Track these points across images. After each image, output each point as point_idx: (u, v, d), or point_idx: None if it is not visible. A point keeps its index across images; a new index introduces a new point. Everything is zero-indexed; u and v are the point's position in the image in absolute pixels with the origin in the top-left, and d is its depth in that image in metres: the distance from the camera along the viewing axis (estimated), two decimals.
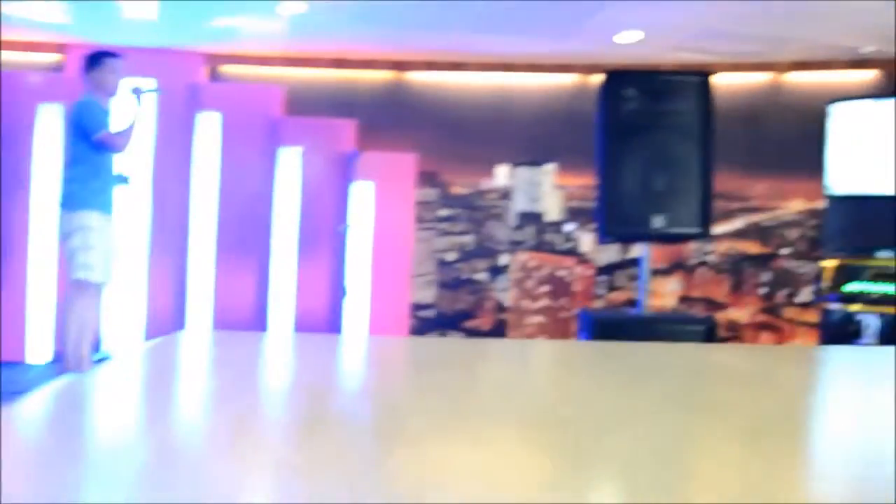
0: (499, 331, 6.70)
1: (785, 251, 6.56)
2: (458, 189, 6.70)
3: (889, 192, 5.38)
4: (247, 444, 0.73)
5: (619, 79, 4.78)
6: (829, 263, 5.33)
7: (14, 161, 5.79)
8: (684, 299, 6.67)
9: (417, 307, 6.62)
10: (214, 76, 6.50)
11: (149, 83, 4.70)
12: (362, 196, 6.10)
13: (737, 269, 6.64)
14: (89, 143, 4.22)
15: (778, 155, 6.41)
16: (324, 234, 6.06)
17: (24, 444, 0.73)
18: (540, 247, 6.74)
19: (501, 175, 6.69)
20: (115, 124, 4.34)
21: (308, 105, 6.32)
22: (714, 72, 5.06)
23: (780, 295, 6.57)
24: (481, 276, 6.74)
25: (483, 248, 6.74)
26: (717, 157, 4.77)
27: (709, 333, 4.87)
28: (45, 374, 5.21)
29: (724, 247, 6.61)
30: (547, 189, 6.71)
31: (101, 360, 4.85)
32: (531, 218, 6.74)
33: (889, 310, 4.96)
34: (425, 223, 6.65)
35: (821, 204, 5.94)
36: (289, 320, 6.01)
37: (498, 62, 6.51)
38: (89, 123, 4.22)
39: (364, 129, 6.21)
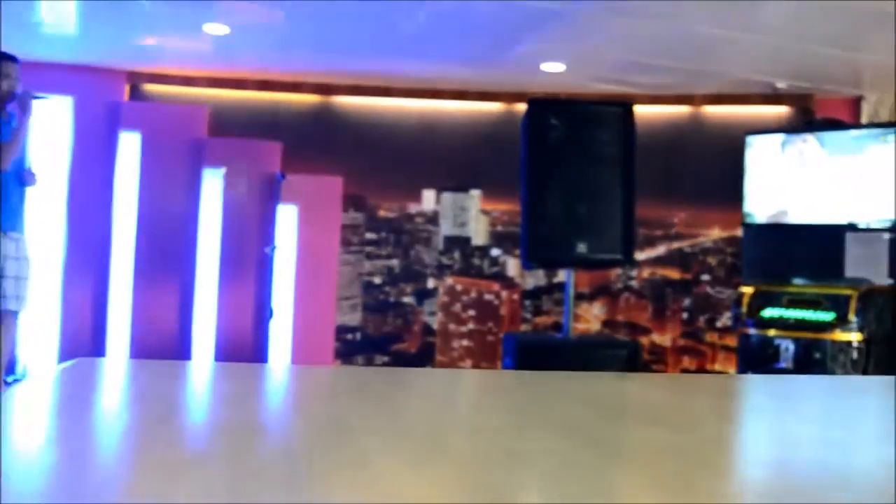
0: (426, 354, 6.69)
1: (705, 277, 6.70)
2: (385, 213, 6.69)
3: (804, 220, 5.55)
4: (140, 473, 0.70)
5: (542, 107, 4.85)
6: (748, 289, 5.46)
7: None
8: (608, 324, 6.76)
9: (343, 330, 6.56)
10: (137, 94, 6.38)
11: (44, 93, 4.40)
12: (287, 219, 6.05)
13: (659, 295, 6.76)
14: None
15: (698, 184, 6.57)
16: (249, 256, 5.98)
17: None
18: (467, 271, 6.76)
19: (429, 199, 6.70)
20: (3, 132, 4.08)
21: (232, 126, 6.24)
22: (635, 102, 5.17)
23: (702, 320, 6.71)
24: (408, 299, 6.73)
25: (410, 272, 6.72)
26: (639, 185, 4.85)
27: (632, 357, 4.95)
28: None
29: (646, 272, 6.73)
30: (473, 214, 6.75)
31: (14, 382, 4.71)
32: (458, 242, 6.76)
33: (804, 335, 5.11)
34: (352, 246, 6.62)
35: (738, 232, 6.10)
36: (211, 343, 5.90)
37: (424, 88, 6.54)
38: None
39: (290, 152, 6.15)
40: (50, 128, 5.69)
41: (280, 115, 6.53)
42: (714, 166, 6.32)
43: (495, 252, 6.77)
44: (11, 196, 4.11)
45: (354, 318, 6.64)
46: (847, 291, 5.04)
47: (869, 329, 4.97)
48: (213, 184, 5.96)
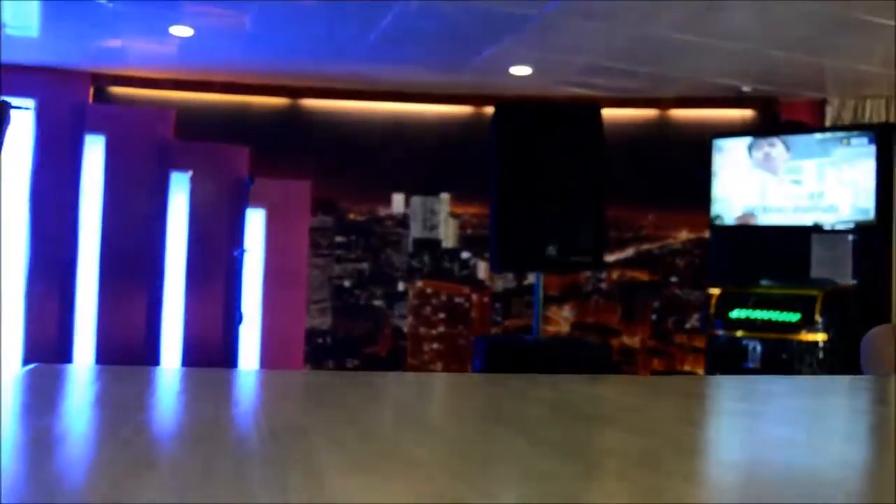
0: (397, 357, 6.67)
1: (674, 279, 6.75)
2: (355, 216, 6.66)
3: (770, 222, 5.61)
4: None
5: (510, 111, 4.86)
6: (716, 291, 5.51)
7: None
8: (578, 326, 6.78)
9: (313, 334, 6.52)
10: (101, 97, 6.30)
11: (21, 101, 4.40)
12: (256, 222, 6.00)
13: (629, 297, 6.79)
14: None
15: (665, 187, 6.61)
16: (217, 260, 5.92)
17: None
18: (437, 274, 6.75)
19: (398, 202, 6.69)
20: None
21: (199, 129, 6.18)
22: (603, 105, 5.19)
23: (670, 321, 6.76)
24: (379, 302, 6.70)
25: (380, 275, 6.70)
26: (608, 188, 4.87)
27: (602, 359, 4.97)
28: None
29: (616, 275, 6.76)
30: (443, 217, 6.74)
31: None
32: (428, 245, 6.75)
33: (771, 335, 5.16)
34: (322, 250, 6.58)
35: (706, 234, 6.15)
36: (180, 348, 5.84)
37: (393, 91, 6.52)
38: None
39: (258, 155, 6.11)
40: (12, 131, 5.60)
41: (248, 118, 6.49)
42: (681, 169, 6.37)
43: (465, 255, 6.77)
44: None
45: (324, 322, 6.61)
46: (813, 292, 5.10)
47: (834, 329, 5.03)
48: (179, 187, 5.90)
